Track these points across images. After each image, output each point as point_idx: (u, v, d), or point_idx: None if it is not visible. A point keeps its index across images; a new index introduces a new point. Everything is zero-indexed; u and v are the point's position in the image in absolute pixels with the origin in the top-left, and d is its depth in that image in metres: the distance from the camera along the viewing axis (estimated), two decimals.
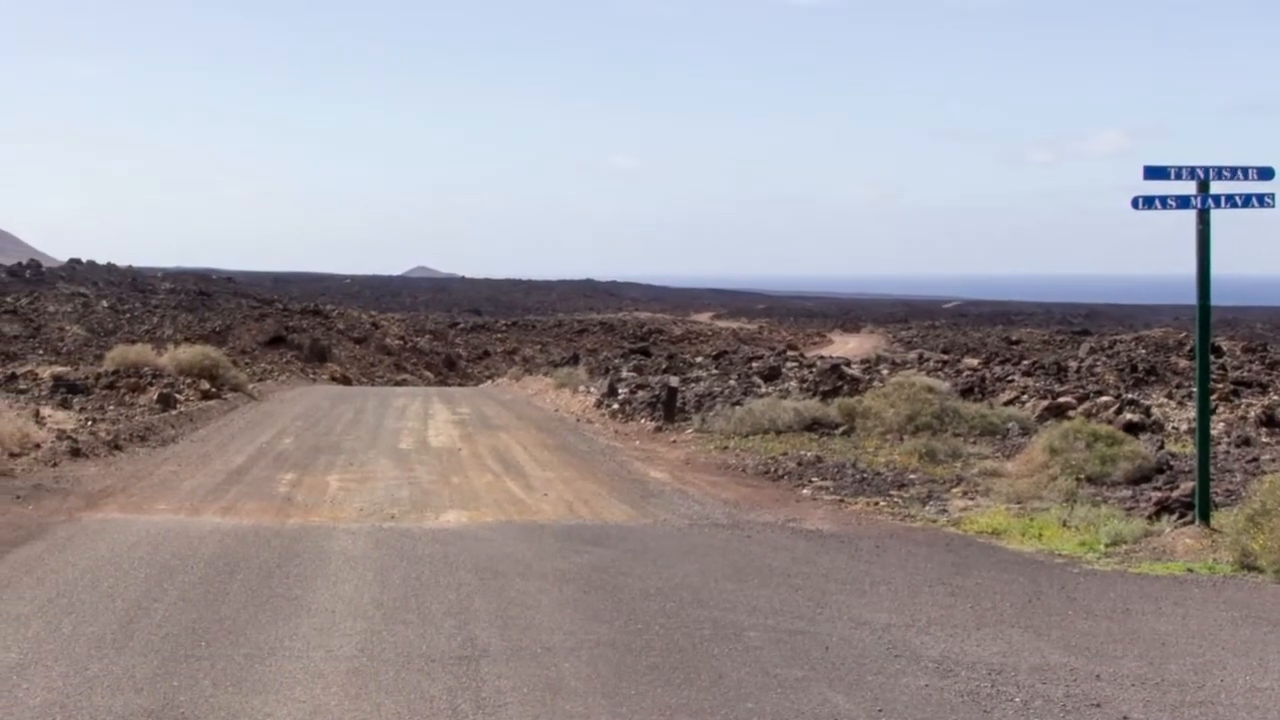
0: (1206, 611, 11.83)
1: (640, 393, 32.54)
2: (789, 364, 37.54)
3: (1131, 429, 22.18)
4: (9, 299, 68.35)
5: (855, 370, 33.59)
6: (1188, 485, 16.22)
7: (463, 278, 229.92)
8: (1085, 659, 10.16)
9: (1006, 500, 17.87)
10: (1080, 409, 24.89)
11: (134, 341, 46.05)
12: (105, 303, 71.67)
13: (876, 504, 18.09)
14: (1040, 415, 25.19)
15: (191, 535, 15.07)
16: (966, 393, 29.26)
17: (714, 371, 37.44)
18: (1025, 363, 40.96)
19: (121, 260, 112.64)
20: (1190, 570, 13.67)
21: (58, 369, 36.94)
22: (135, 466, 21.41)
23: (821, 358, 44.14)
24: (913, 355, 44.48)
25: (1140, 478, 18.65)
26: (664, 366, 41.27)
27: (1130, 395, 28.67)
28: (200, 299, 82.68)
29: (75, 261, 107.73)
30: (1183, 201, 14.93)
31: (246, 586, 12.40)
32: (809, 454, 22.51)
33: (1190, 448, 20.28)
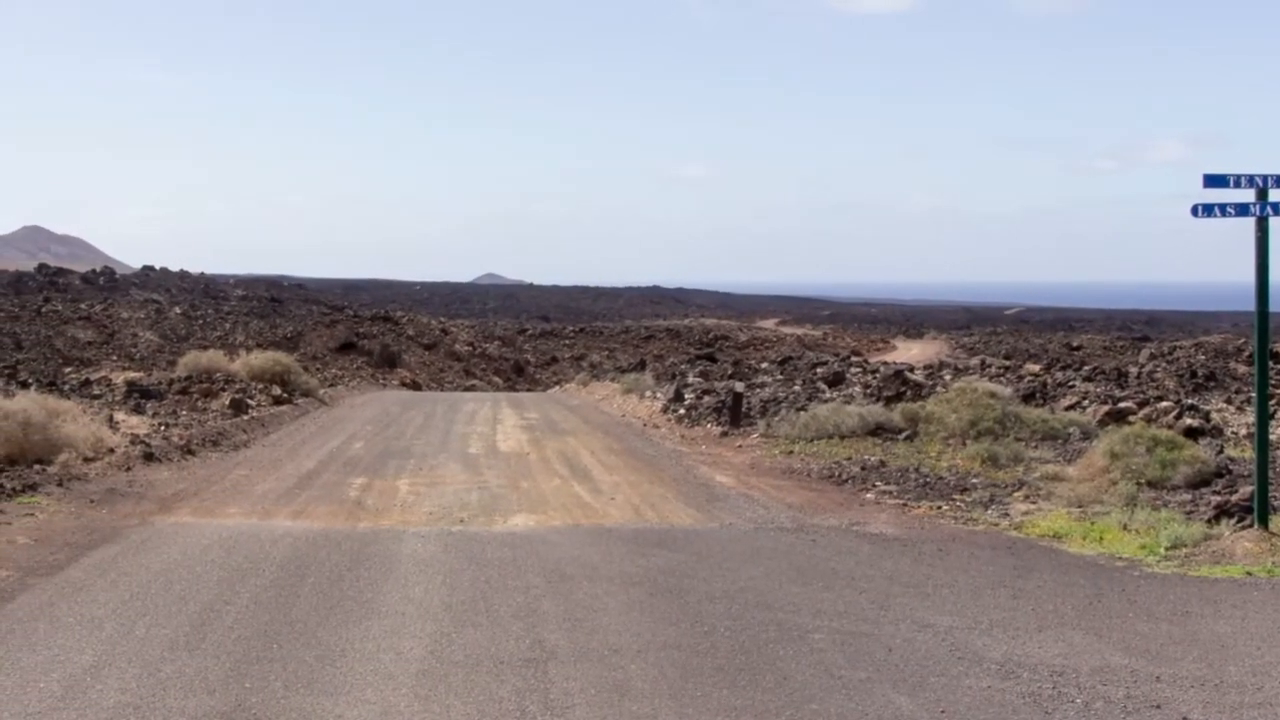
0: (1265, 614, 11.83)
1: (706, 398, 32.62)
2: (853, 370, 37.54)
3: (1191, 434, 22.12)
4: (84, 306, 69.00)
5: (918, 376, 33.57)
6: (1247, 489, 16.20)
7: (531, 284, 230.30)
8: (1145, 661, 10.18)
9: (1068, 504, 17.88)
10: (1140, 414, 24.82)
11: (206, 347, 46.44)
12: (178, 309, 72.24)
13: (939, 508, 18.12)
14: (1101, 420, 25.13)
15: (263, 539, 15.19)
16: (1028, 398, 29.21)
17: (779, 377, 37.46)
18: (1086, 368, 40.80)
19: (194, 267, 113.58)
20: (1249, 573, 13.66)
21: (131, 374, 37.29)
22: (207, 471, 21.63)
23: (885, 364, 44.14)
24: (975, 361, 44.41)
25: (1200, 482, 18.63)
26: (729, 372, 41.34)
27: (1190, 400, 28.57)
28: (272, 305, 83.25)
29: (148, 269, 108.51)
30: (1241, 209, 14.89)
31: (317, 589, 12.47)
32: (873, 459, 22.59)
33: (1249, 452, 20.27)
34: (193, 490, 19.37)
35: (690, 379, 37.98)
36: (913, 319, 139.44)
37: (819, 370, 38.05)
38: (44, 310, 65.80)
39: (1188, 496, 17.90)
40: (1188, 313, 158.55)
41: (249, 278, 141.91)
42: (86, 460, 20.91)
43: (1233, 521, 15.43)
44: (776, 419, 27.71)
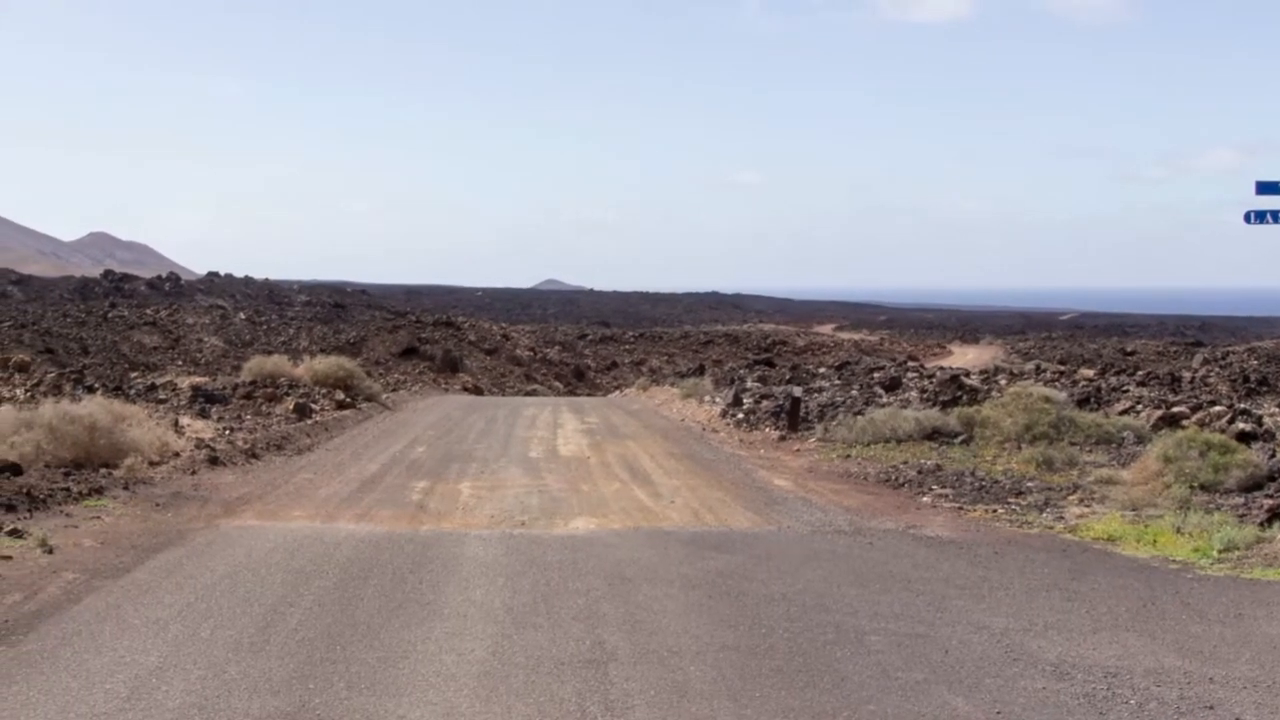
0: None
1: (764, 403, 32.64)
2: (909, 375, 37.44)
3: (1244, 438, 22.02)
4: (149, 311, 69.48)
5: (974, 380, 33.48)
6: None
7: (591, 290, 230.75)
8: (1199, 662, 10.23)
9: (1122, 507, 17.88)
10: (1194, 418, 24.75)
11: (270, 353, 46.66)
12: (242, 315, 72.70)
13: (995, 511, 18.16)
14: (1155, 424, 25.06)
15: (327, 541, 15.32)
16: (1083, 402, 29.13)
17: (836, 382, 37.40)
18: (1140, 373, 40.58)
19: (258, 273, 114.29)
20: None
21: (196, 379, 37.48)
22: (272, 475, 21.81)
23: (941, 368, 43.99)
24: (1030, 366, 44.24)
25: (1252, 485, 18.60)
26: (787, 377, 41.29)
27: (1243, 405, 28.44)
28: (335, 311, 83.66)
29: (213, 274, 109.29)
30: None
31: (380, 591, 12.57)
32: (929, 462, 22.64)
33: None
34: (257, 494, 19.54)
35: (749, 384, 37.99)
36: (968, 324, 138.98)
37: (876, 375, 37.98)
38: (110, 316, 66.31)
39: (1240, 500, 17.88)
40: (1241, 318, 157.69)
41: (312, 283, 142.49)
42: (152, 464, 21.14)
43: None
44: (834, 423, 27.76)
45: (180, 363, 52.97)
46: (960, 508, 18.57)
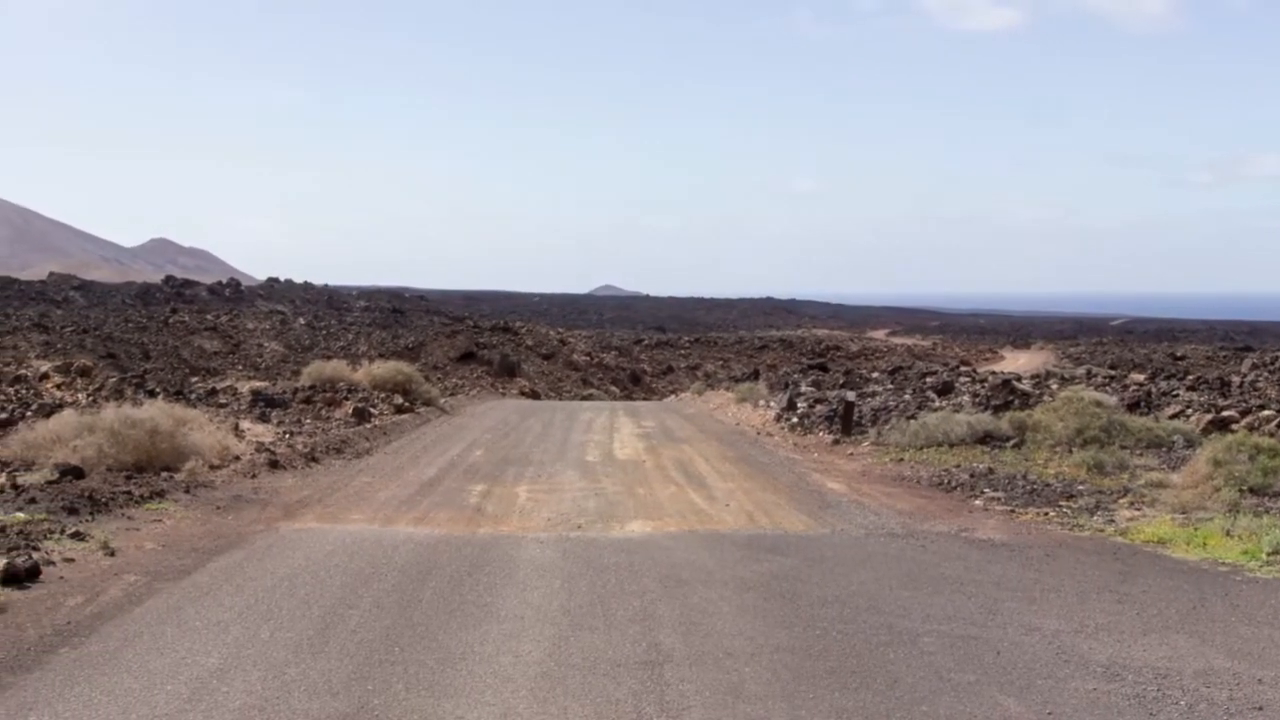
0: None
1: (818, 407, 32.68)
2: (962, 379, 37.37)
3: None
4: (210, 316, 69.88)
5: (1026, 385, 33.40)
6: None
7: (647, 296, 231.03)
8: (1248, 664, 10.25)
9: (1172, 510, 17.91)
10: (1243, 422, 24.68)
11: (330, 357, 46.88)
12: (302, 320, 73.00)
13: (1046, 514, 18.16)
14: (1204, 429, 24.99)
15: (385, 544, 15.44)
16: (1133, 407, 29.06)
17: (889, 386, 37.36)
18: (1190, 378, 40.38)
19: (318, 279, 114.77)
20: None
21: (256, 384, 37.68)
22: (331, 478, 21.97)
23: (993, 373, 43.87)
24: (1081, 370, 44.05)
25: None
26: (841, 381, 41.28)
27: None
28: (394, 316, 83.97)
29: (273, 280, 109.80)
30: None
31: (438, 594, 12.64)
32: (981, 466, 22.66)
33: None
34: (316, 497, 19.69)
35: (803, 388, 38.02)
36: (1020, 329, 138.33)
37: (928, 379, 37.92)
38: (171, 321, 66.68)
39: None
40: None
41: (372, 289, 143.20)
42: (213, 468, 21.33)
43: None
44: (887, 427, 27.81)
45: (240, 367, 53.22)
46: (1012, 511, 18.59)
